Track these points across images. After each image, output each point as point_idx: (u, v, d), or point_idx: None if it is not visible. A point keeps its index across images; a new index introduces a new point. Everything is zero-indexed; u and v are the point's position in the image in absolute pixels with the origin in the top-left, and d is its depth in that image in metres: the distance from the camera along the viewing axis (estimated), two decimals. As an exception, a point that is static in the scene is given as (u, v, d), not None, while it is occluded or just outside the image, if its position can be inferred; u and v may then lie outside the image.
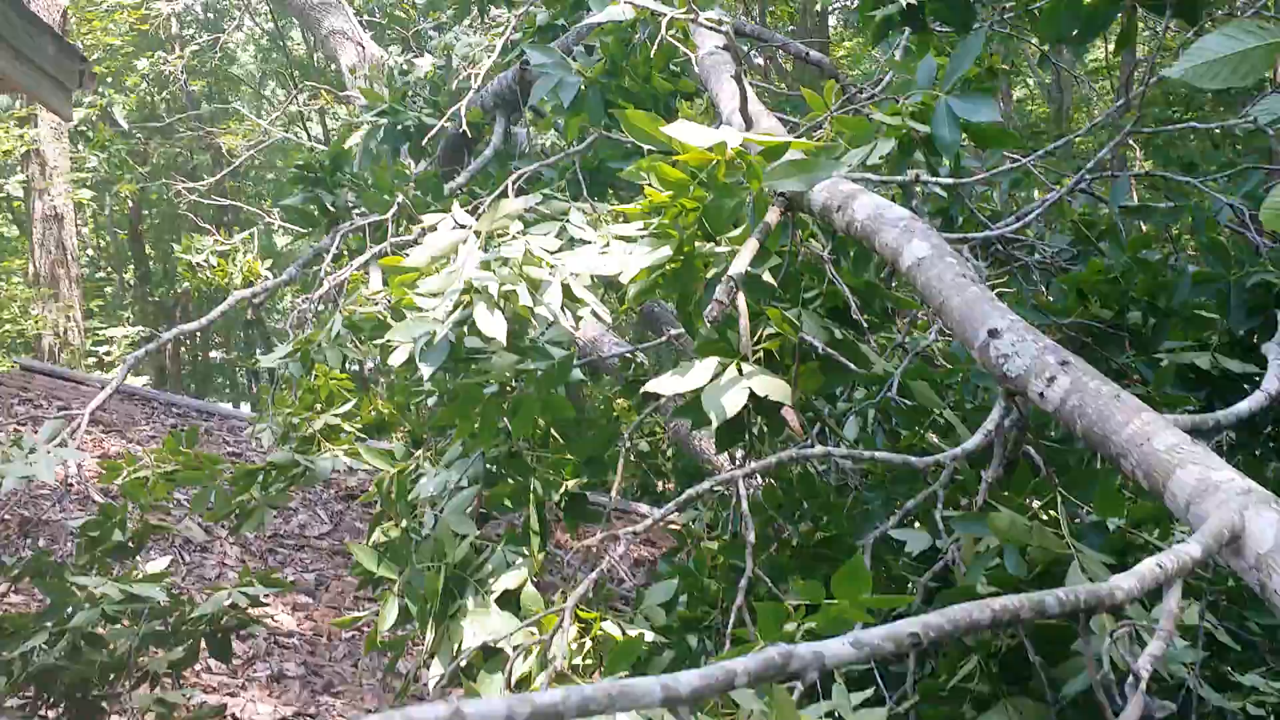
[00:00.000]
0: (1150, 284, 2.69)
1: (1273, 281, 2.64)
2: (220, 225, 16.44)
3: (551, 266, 2.46)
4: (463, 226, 2.55)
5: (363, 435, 3.91)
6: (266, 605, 4.01)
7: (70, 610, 3.24)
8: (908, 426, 2.76)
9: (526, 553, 2.72)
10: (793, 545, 2.86)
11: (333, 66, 15.91)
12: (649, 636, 2.51)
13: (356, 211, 5.28)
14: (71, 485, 5.83)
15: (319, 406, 3.78)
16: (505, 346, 2.58)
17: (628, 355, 4.88)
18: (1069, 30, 2.29)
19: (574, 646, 2.50)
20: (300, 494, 6.81)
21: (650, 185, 2.32)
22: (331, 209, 5.37)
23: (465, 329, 2.40)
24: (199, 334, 23.44)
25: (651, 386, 2.27)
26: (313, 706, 4.70)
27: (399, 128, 5.28)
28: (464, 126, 5.03)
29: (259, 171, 19.41)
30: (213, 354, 24.17)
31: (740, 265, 2.12)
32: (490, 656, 2.57)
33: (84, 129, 15.39)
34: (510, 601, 2.69)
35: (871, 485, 3.05)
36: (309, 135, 17.54)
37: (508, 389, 2.74)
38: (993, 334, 1.69)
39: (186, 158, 17.90)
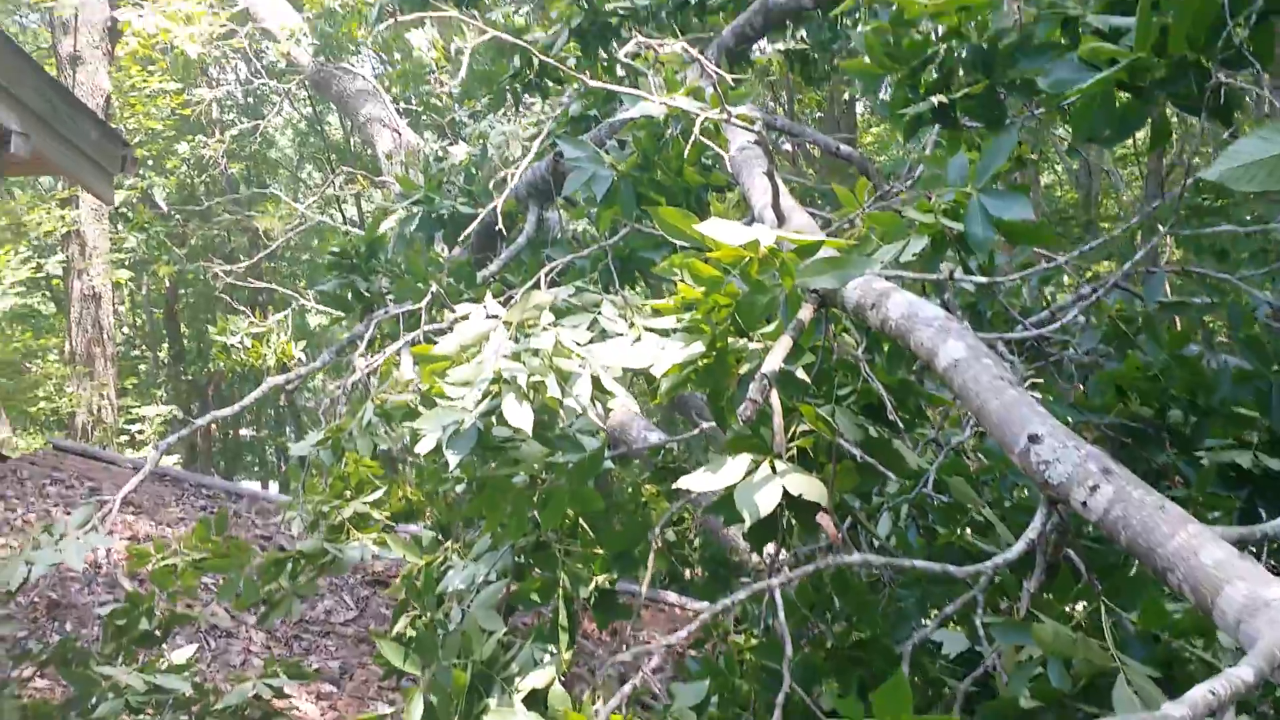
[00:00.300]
0: (1190, 381, 2.66)
1: (1314, 379, 2.60)
2: (255, 305, 16.71)
3: (582, 358, 2.46)
4: (494, 317, 2.56)
5: (391, 523, 3.90)
6: (290, 696, 3.97)
7: (95, 700, 3.21)
8: (944, 524, 2.72)
9: (554, 650, 2.68)
10: (827, 646, 2.81)
11: (369, 151, 16.33)
12: (679, 740, 2.45)
13: (390, 297, 5.34)
14: (100, 569, 5.83)
15: (348, 494, 3.78)
16: (533, 437, 2.58)
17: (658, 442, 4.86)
18: (1101, 130, 2.29)
19: (602, 748, 2.45)
20: (327, 579, 6.77)
21: (683, 281, 2.32)
22: (366, 294, 5.44)
23: (494, 419, 2.39)
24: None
25: (684, 483, 2.25)
26: (334, 799, 4.62)
27: (434, 215, 5.36)
28: (499, 219, 5.12)
29: (294, 252, 19.67)
30: (243, 432, 24.31)
31: (774, 363, 2.11)
32: (516, 757, 2.51)
33: (124, 210, 15.73)
34: (537, 700, 2.64)
35: (906, 584, 3.00)
36: (344, 218, 17.84)
37: (538, 480, 2.72)
38: (1033, 439, 1.66)
39: (224, 239, 18.20)
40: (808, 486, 2.14)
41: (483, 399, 2.36)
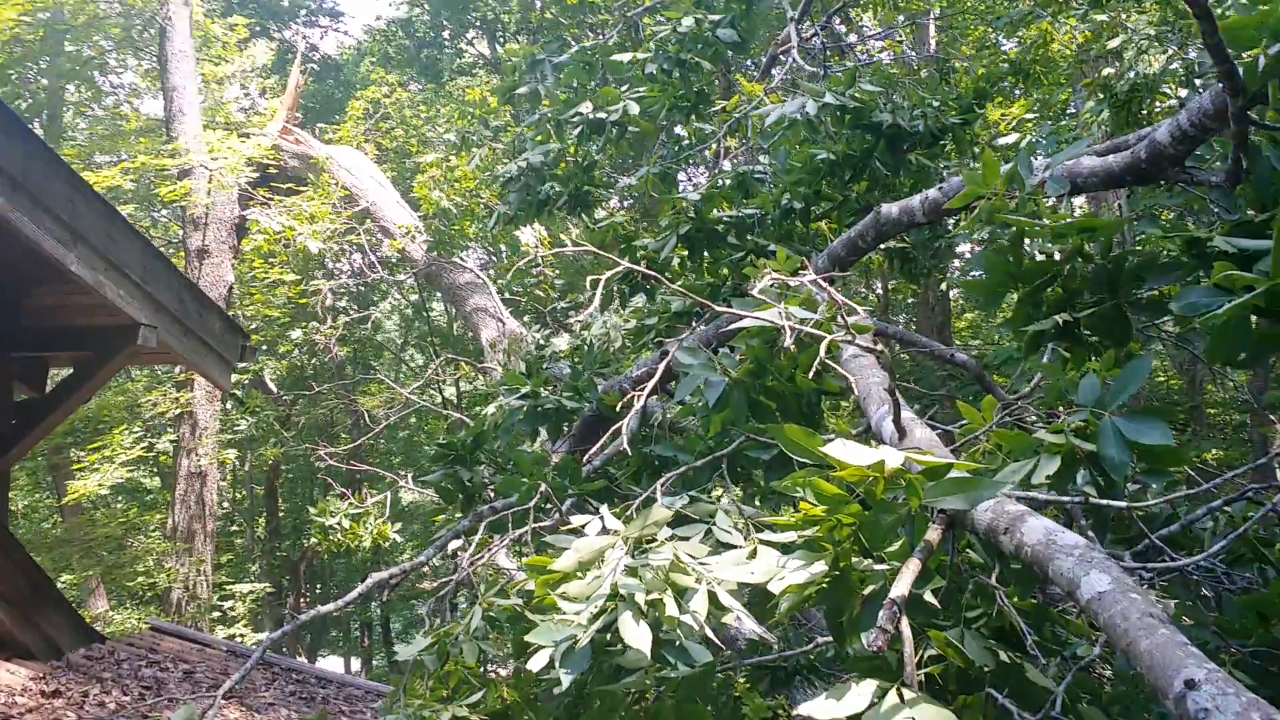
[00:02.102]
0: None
1: None
2: (353, 483, 17.02)
3: (698, 573, 2.42)
4: (610, 531, 2.54)
5: (487, 726, 3.80)
6: None
7: None
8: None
9: None
10: None
11: (469, 334, 16.89)
12: None
13: (492, 488, 5.37)
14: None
15: (445, 694, 3.71)
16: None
17: (756, 636, 4.70)
18: (1236, 354, 2.24)
19: None
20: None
21: (804, 499, 2.29)
22: (468, 485, 5.47)
23: (608, 635, 2.34)
24: (319, 586, 23.78)
25: (805, 710, 2.15)
26: None
27: (538, 409, 5.42)
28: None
29: (391, 429, 20.06)
30: (329, 606, 24.23)
31: (903, 587, 2.04)
32: None
33: (235, 392, 16.30)
34: None
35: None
36: (443, 400, 18.24)
37: (646, 695, 2.64)
38: (1189, 685, 1.56)
39: (329, 418, 18.68)
40: (940, 719, 2.03)
41: (598, 615, 2.32)
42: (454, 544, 4.86)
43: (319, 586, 23.76)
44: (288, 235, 13.78)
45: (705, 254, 5.61)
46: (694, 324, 5.82)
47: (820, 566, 2.23)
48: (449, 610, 3.75)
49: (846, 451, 2.14)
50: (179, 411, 14.32)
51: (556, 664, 2.38)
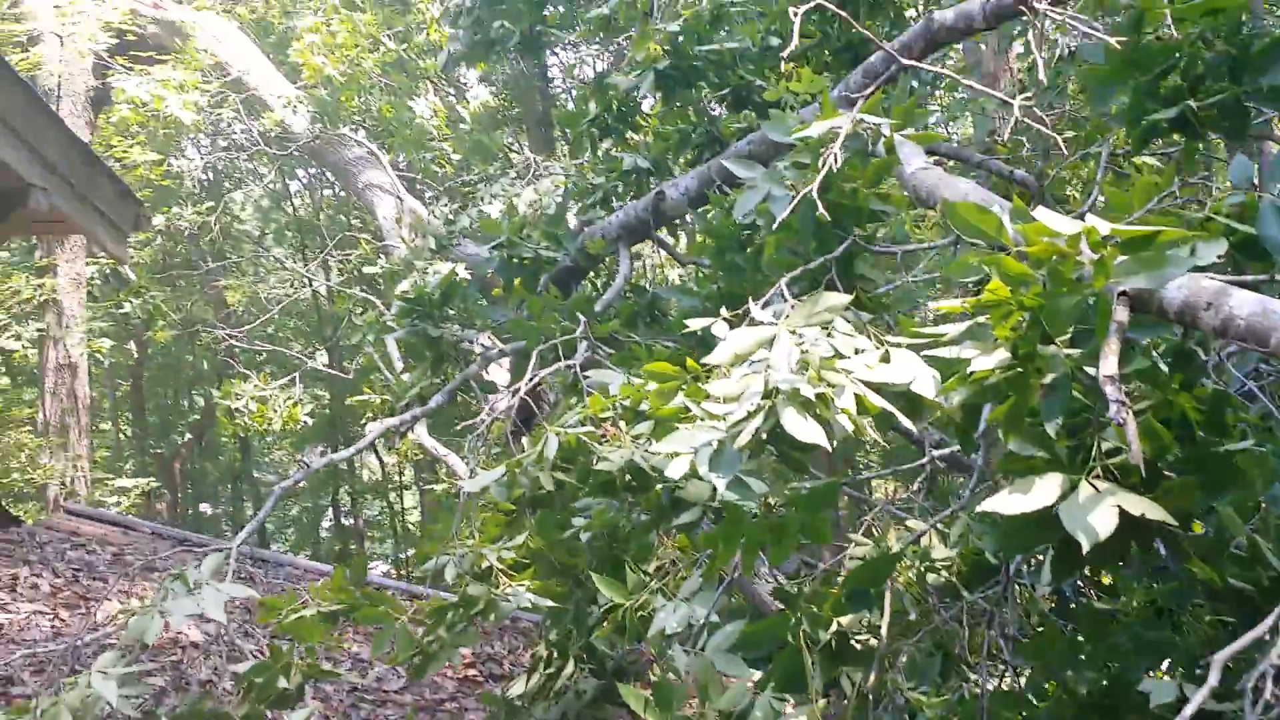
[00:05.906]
0: None
1: None
2: (221, 376, 16.29)
3: (846, 372, 2.27)
4: (766, 323, 2.36)
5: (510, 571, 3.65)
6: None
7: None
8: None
9: (796, 699, 2.44)
10: (1080, 694, 2.61)
11: (348, 219, 16.21)
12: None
13: (467, 342, 5.12)
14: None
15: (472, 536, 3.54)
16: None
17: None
18: None
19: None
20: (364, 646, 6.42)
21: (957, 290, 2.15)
22: (437, 341, 5.22)
23: (764, 436, 2.18)
24: (190, 487, 22.92)
25: (991, 505, 2.06)
26: None
27: (514, 260, 5.17)
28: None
29: (262, 325, 19.25)
30: (203, 506, 23.61)
31: (1110, 366, 1.94)
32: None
33: (95, 279, 15.27)
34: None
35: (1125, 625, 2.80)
36: (326, 287, 17.51)
37: (773, 509, 2.51)
38: None
39: (200, 309, 17.76)
40: (1146, 506, 1.96)
41: (755, 414, 2.16)
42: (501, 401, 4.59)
43: (189, 485, 22.92)
44: (156, 105, 12.79)
45: (680, 95, 5.36)
46: (651, 181, 5.59)
47: (1002, 354, 2.11)
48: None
49: (1050, 219, 2.01)
50: (44, 299, 13.34)
51: (705, 469, 2.21)
